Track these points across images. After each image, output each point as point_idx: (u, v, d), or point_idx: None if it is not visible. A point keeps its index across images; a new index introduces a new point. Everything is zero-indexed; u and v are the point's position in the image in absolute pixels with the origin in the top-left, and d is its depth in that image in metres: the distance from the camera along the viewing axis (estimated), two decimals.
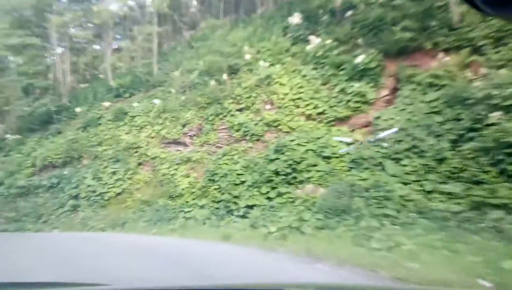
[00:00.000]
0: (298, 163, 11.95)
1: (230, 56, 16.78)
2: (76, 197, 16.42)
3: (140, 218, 13.48)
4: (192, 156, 15.13)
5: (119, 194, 15.68)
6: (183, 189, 13.99)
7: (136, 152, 16.94)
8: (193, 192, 13.67)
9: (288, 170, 11.80)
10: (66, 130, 20.82)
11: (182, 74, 18.02)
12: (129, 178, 15.96)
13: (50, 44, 22.77)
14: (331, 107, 13.48)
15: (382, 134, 11.06)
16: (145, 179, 15.66)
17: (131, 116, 18.64)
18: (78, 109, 21.01)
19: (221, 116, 15.43)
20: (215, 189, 13.26)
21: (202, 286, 2.54)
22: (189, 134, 16.09)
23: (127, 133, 18.10)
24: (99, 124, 19.65)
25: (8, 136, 22.51)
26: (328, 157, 12.04)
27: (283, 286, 2.46)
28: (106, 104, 19.91)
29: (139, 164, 16.53)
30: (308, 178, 11.58)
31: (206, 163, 14.68)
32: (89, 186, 16.38)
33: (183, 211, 12.85)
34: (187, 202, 13.28)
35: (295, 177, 11.72)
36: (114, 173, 16.33)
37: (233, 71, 16.22)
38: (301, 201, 10.71)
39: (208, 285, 2.93)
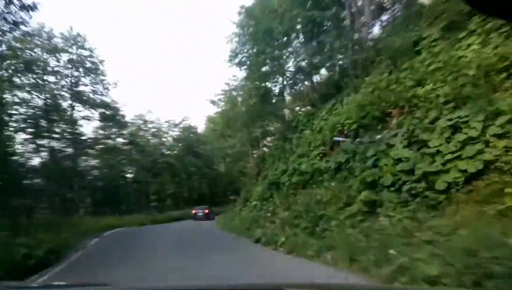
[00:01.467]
0: None
1: None
2: (373, 184, 7.89)
3: None
4: None
5: (476, 174, 5.89)
6: None
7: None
8: None
9: None
10: (363, 82, 12.93)
11: None
12: (504, 136, 5.88)
13: None
14: None
15: None
16: None
17: None
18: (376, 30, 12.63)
19: None
20: None
21: (203, 286, 2.22)
22: None
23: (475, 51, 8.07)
24: (417, 52, 10.55)
25: (297, 108, 17.16)
26: None
27: (283, 286, 2.15)
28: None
29: None
30: None
31: None
32: (398, 161, 7.48)
33: None
34: None
35: None
36: (454, 128, 6.71)
37: None
38: None
39: (208, 285, 2.49)
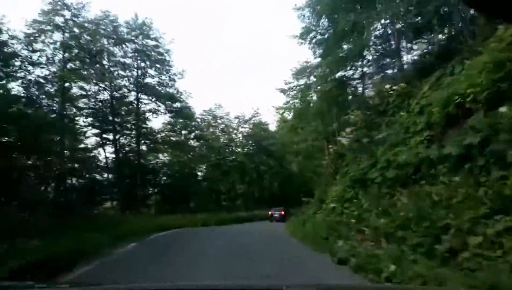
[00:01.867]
0: None
1: None
2: None
3: None
4: None
5: None
6: None
7: None
8: None
9: None
10: (491, 36, 9.19)
11: None
12: None
13: None
14: None
15: None
16: None
17: None
18: None
19: None
20: None
21: (203, 286, 2.32)
22: None
23: None
24: None
25: (394, 88, 13.63)
26: None
27: (283, 286, 2.13)
28: None
29: None
30: None
31: None
32: None
33: None
34: None
35: None
36: None
37: None
38: None
39: (208, 285, 2.64)
